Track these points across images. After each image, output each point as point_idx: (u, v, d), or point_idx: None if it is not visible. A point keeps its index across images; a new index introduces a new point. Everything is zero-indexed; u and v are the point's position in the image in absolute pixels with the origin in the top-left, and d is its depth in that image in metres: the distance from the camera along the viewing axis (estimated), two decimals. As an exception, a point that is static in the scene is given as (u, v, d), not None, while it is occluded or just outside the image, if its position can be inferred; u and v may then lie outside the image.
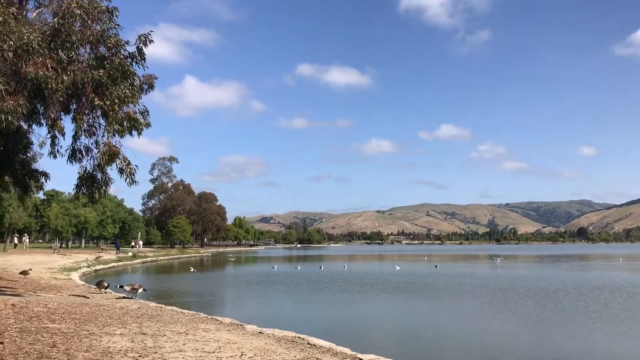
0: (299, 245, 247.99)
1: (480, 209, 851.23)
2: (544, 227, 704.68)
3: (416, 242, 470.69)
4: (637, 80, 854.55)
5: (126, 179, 16.74)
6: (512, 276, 45.93)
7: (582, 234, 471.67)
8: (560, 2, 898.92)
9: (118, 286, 23.15)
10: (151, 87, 18.28)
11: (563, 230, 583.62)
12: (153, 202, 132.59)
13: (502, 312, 23.46)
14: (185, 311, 18.40)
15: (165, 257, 79.27)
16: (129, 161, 16.70)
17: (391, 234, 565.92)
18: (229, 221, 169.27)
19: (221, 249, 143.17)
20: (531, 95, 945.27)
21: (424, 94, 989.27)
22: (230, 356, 10.15)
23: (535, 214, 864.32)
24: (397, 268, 58.64)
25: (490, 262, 74.12)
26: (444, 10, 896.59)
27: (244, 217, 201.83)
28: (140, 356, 9.53)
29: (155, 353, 9.89)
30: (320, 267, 58.55)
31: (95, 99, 15.28)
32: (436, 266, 63.57)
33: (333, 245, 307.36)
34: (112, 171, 17.51)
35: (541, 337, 17.91)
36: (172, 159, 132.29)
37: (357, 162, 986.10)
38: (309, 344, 12.43)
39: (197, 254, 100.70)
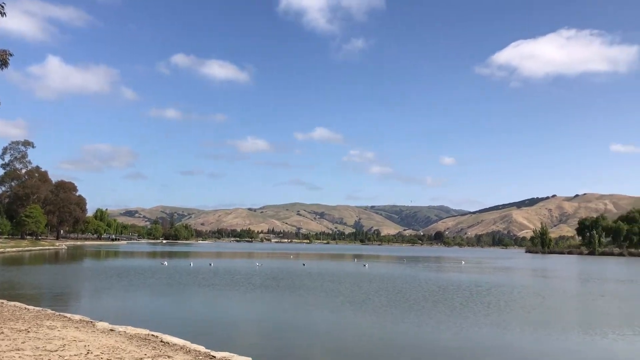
0: (164, 241, 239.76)
1: (347, 210, 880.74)
2: (405, 230, 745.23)
3: (286, 240, 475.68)
4: (493, 97, 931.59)
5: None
6: (374, 275, 48.16)
7: (439, 238, 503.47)
8: (430, 23, 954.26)
9: None
10: (5, 63, 16.83)
11: (422, 233, 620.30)
12: (3, 189, 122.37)
13: (359, 306, 24.59)
14: (30, 307, 17.19)
15: (14, 249, 73.59)
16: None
17: (261, 232, 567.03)
18: (90, 213, 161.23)
19: (79, 242, 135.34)
20: (399, 106, 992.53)
21: (300, 95, 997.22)
22: (75, 355, 9.67)
23: (397, 217, 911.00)
24: (258, 265, 62.08)
25: (355, 263, 77.13)
26: (323, 16, 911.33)
27: (107, 209, 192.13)
28: (-31, 356, 8.79)
29: (-13, 352, 9.16)
30: (190, 265, 57.54)
31: None
32: (304, 264, 65.78)
33: (201, 242, 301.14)
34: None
35: (391, 326, 19.28)
36: (27, 144, 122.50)
37: (232, 159, 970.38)
38: (162, 341, 12.17)
39: (52, 247, 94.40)
